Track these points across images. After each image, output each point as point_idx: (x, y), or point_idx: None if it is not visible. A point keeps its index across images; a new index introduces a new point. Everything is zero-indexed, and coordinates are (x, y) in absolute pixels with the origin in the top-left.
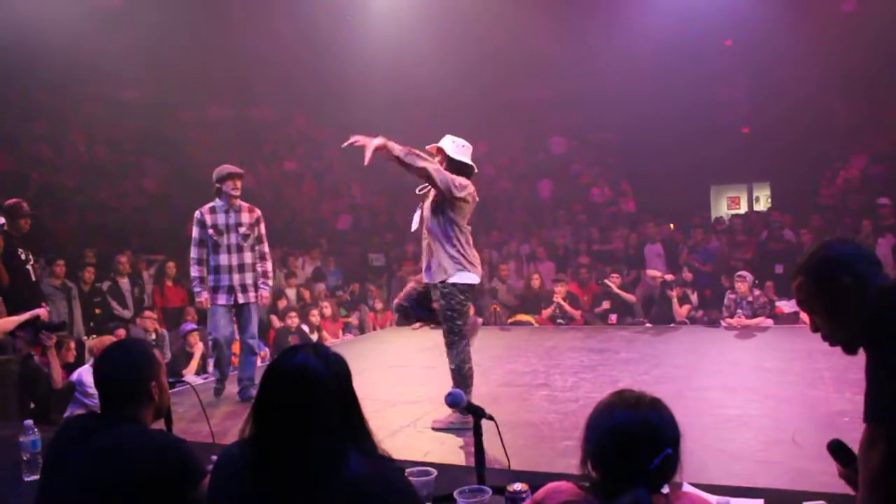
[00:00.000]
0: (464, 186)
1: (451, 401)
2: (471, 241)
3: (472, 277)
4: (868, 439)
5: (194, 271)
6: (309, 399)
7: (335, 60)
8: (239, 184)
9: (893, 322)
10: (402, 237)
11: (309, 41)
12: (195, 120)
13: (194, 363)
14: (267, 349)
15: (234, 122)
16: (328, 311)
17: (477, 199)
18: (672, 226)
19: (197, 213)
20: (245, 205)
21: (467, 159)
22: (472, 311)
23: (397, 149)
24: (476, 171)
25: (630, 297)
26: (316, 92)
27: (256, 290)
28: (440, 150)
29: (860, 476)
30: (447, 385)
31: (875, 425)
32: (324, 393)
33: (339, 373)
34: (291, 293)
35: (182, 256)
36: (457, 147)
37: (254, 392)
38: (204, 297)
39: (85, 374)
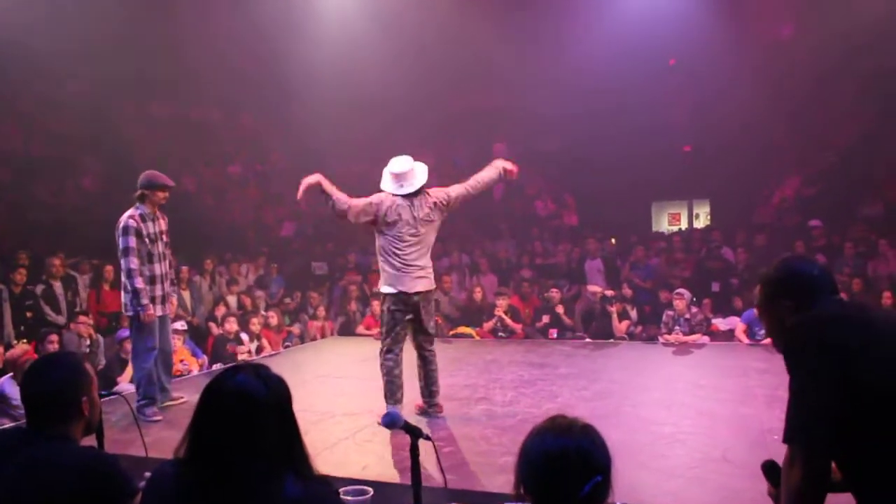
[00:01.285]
0: (357, 213)
1: (388, 421)
2: (391, 252)
3: (385, 288)
4: (788, 458)
5: (139, 283)
6: (247, 421)
7: (284, 61)
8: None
9: (801, 352)
10: (345, 247)
11: (258, 40)
12: (136, 117)
13: (129, 370)
14: (205, 357)
15: (177, 121)
16: (274, 321)
17: (382, 211)
18: (613, 241)
19: (131, 222)
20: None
21: (386, 184)
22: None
23: (327, 186)
24: (390, 192)
25: (568, 321)
26: (263, 93)
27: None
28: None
29: (783, 494)
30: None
31: (792, 445)
32: (263, 415)
33: (279, 394)
34: (232, 300)
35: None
36: (384, 178)
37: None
38: (151, 310)
39: (7, 385)
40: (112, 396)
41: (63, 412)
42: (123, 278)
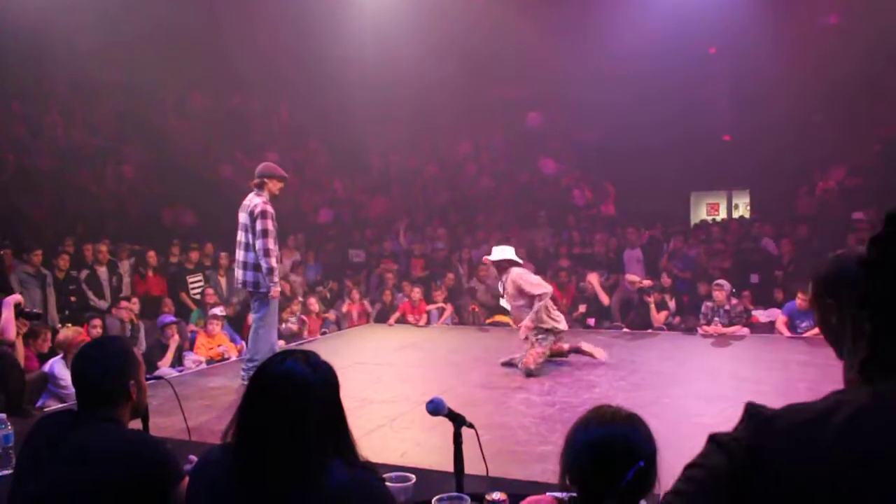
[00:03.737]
0: (542, 285)
1: (433, 408)
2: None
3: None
4: None
5: (275, 262)
6: (296, 406)
7: (320, 52)
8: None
9: None
10: (381, 234)
11: (296, 34)
12: (176, 107)
13: (169, 355)
14: (243, 342)
15: (216, 110)
16: (315, 308)
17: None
18: (646, 234)
19: (269, 207)
20: None
21: (506, 255)
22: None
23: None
24: (519, 262)
25: (604, 298)
26: (300, 83)
27: None
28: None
29: None
30: (425, 383)
31: None
32: (311, 401)
33: (326, 381)
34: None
35: (161, 245)
36: (495, 254)
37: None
38: (279, 288)
39: (57, 366)
40: (156, 380)
41: (112, 395)
42: (261, 257)
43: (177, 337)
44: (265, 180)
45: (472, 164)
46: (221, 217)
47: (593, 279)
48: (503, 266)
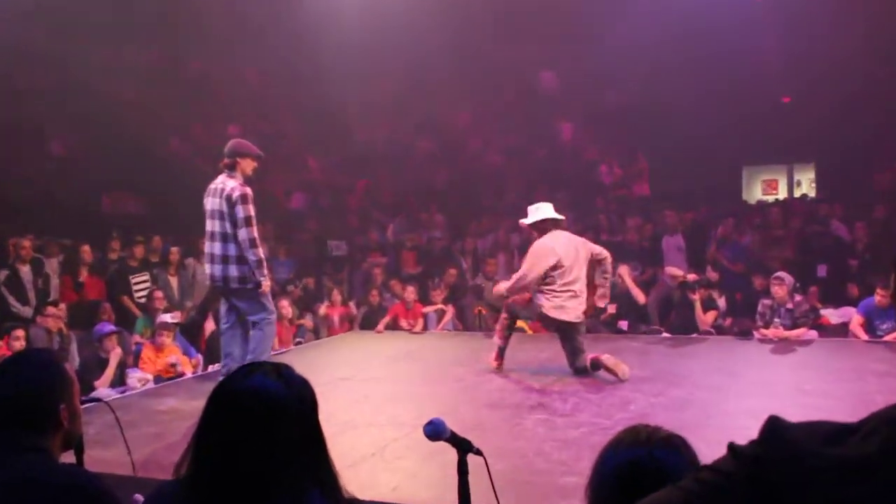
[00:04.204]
0: (532, 268)
1: (432, 431)
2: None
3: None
4: None
5: (263, 253)
6: (266, 430)
7: (296, 3)
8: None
9: None
10: (367, 223)
11: None
12: (112, 67)
13: (109, 372)
14: (199, 356)
15: (169, 74)
16: (287, 312)
17: (559, 254)
18: (695, 214)
19: (248, 190)
20: None
21: (540, 215)
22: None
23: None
24: (560, 219)
25: (639, 295)
26: (271, 41)
27: None
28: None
29: None
30: (422, 403)
31: None
32: (285, 423)
33: (302, 398)
34: None
35: (98, 239)
36: (531, 214)
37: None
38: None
39: None
40: (92, 403)
41: (38, 421)
42: (246, 249)
43: (118, 350)
44: (237, 160)
45: (476, 136)
46: (173, 204)
47: (625, 273)
48: (546, 228)
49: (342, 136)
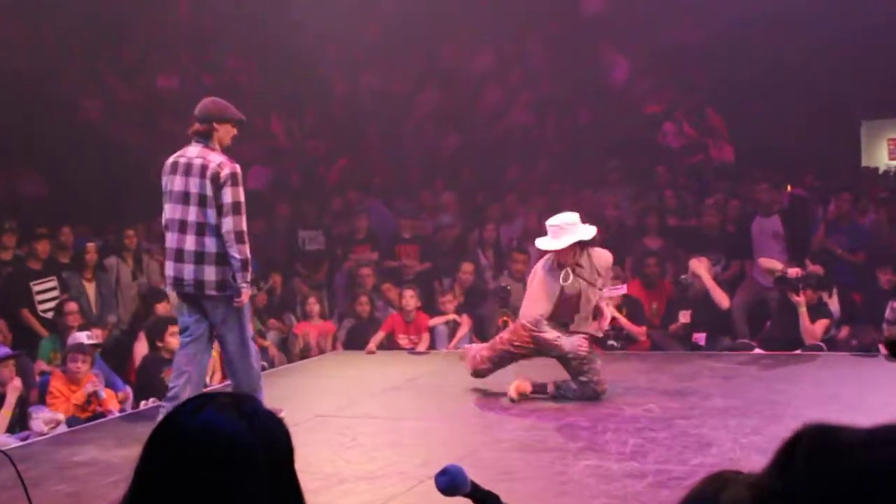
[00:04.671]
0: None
1: (447, 483)
2: None
3: None
4: None
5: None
6: (222, 486)
7: None
8: None
9: None
10: (352, 204)
11: None
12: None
13: (6, 413)
14: (128, 388)
15: (69, 6)
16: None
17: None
18: (797, 189)
19: (237, 167)
20: None
21: (573, 235)
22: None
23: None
24: (593, 236)
25: (722, 298)
26: None
27: None
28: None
29: None
30: (430, 446)
31: None
32: (248, 476)
33: (273, 442)
34: (172, 295)
35: None
36: (552, 236)
37: None
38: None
39: None
40: None
41: None
42: (231, 244)
43: (17, 382)
44: (214, 125)
45: (497, 86)
46: (85, 184)
47: (701, 269)
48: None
49: (316, 89)
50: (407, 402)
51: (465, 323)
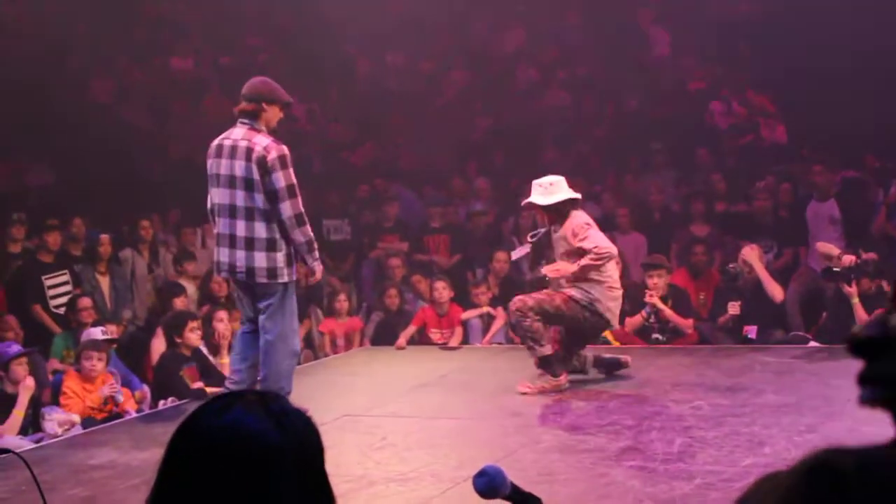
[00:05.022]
0: (603, 251)
1: (486, 485)
2: None
3: None
4: None
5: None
6: (250, 489)
7: None
8: None
9: None
10: (380, 191)
11: None
12: None
13: (18, 414)
14: (145, 387)
15: None
16: None
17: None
18: (854, 171)
19: (285, 149)
20: None
21: (563, 194)
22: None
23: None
24: (580, 198)
25: (775, 289)
26: None
27: None
28: (534, 206)
29: None
30: (464, 447)
31: None
32: (276, 479)
33: (303, 444)
34: (190, 289)
35: None
36: (544, 191)
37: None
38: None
39: None
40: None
41: None
42: (292, 228)
43: (30, 382)
44: (263, 106)
45: (530, 65)
46: (97, 172)
47: (752, 256)
48: (564, 211)
49: (340, 69)
50: (439, 400)
51: (501, 316)
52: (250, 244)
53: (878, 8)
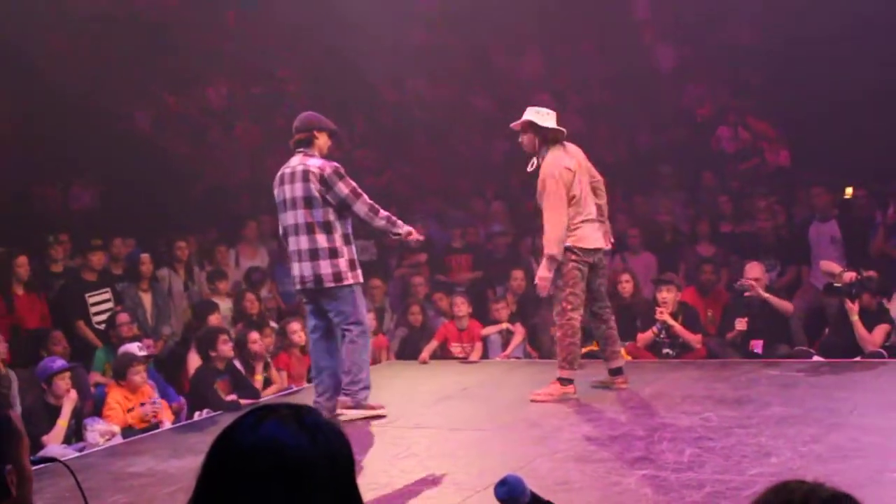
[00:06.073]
0: (555, 184)
1: (506, 494)
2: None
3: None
4: None
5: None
6: (284, 499)
7: None
8: None
9: None
10: (407, 208)
11: None
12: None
13: (62, 424)
14: (181, 399)
15: (122, 20)
16: (300, 339)
17: (571, 169)
18: (849, 191)
19: (336, 164)
20: None
21: (553, 124)
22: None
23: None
24: (565, 133)
25: (784, 306)
26: None
27: None
28: (527, 125)
29: None
30: (484, 457)
31: None
32: (309, 490)
33: (335, 456)
34: (224, 306)
35: (38, 244)
36: (542, 116)
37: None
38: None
39: None
40: (44, 465)
41: None
42: (373, 218)
43: (73, 394)
44: (314, 134)
45: (545, 92)
46: (139, 194)
47: (757, 274)
48: (550, 137)
49: (364, 96)
50: (461, 411)
51: (519, 332)
52: (314, 254)
53: (879, 30)
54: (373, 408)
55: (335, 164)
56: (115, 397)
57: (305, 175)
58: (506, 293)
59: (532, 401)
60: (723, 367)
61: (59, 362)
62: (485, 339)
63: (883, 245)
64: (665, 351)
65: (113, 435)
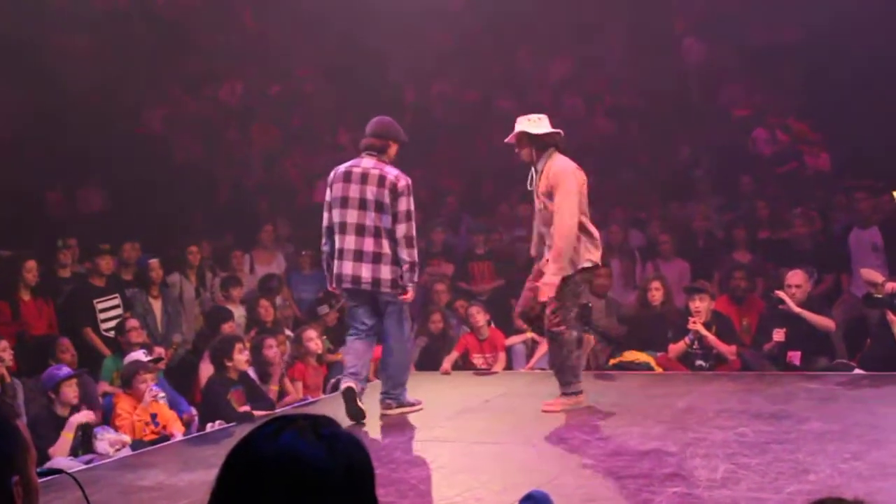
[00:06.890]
0: (571, 181)
1: None
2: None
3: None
4: None
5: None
6: None
7: None
8: None
9: None
10: (428, 214)
11: None
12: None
13: (68, 435)
14: (193, 410)
15: (137, 20)
16: (315, 346)
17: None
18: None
19: (409, 180)
20: None
21: (548, 127)
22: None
23: (553, 272)
24: (562, 134)
25: (826, 323)
26: None
27: None
28: (521, 135)
29: None
30: (508, 472)
31: None
32: (328, 499)
33: (353, 468)
34: (237, 313)
35: (46, 248)
36: (534, 124)
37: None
38: None
39: None
40: (51, 476)
41: None
42: (403, 248)
43: (82, 415)
44: (389, 143)
45: (574, 92)
46: (149, 197)
47: (798, 281)
48: (548, 142)
49: (386, 97)
50: (483, 424)
51: (543, 343)
52: (378, 258)
53: None
54: (412, 404)
55: (409, 179)
56: (124, 406)
57: (382, 180)
58: None
59: (544, 411)
60: (758, 379)
61: (66, 370)
62: (509, 350)
63: None
64: (698, 363)
65: (123, 445)
